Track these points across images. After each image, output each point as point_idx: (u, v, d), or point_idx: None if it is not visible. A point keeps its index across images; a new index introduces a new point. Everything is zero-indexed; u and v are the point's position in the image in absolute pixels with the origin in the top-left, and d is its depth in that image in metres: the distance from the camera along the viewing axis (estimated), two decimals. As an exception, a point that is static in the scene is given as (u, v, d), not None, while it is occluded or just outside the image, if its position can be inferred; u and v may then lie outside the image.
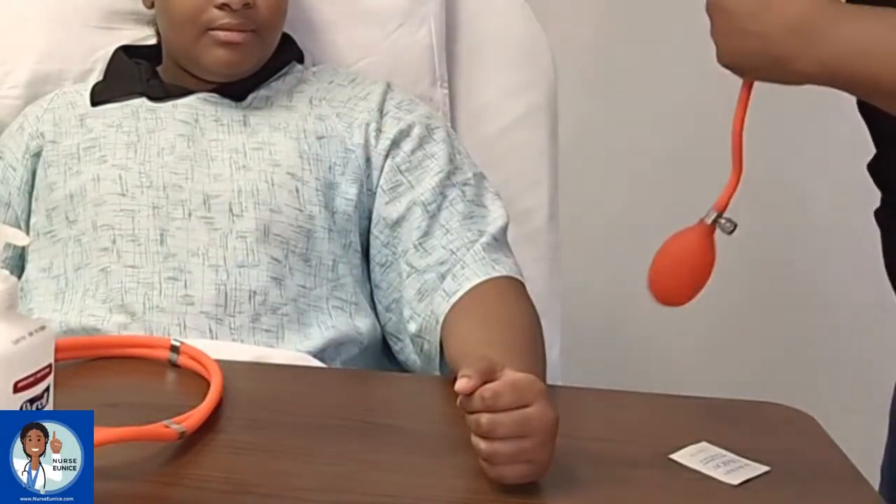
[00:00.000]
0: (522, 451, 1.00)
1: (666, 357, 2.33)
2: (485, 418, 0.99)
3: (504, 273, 1.34)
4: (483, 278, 1.32)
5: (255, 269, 1.34)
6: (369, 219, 1.43)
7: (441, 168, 1.42)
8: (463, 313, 1.30)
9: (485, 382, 0.99)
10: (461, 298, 1.31)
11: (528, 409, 1.00)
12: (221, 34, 1.39)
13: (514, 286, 1.34)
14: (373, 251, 1.42)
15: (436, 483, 1.05)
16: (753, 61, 1.10)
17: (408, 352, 1.38)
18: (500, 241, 1.39)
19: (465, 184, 1.43)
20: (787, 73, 1.09)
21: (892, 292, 1.29)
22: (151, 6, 1.48)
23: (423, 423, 1.09)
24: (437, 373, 1.33)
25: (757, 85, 1.15)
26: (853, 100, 1.18)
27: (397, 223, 1.39)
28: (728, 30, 1.11)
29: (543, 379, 1.21)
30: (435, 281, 1.34)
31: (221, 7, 1.37)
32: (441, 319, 1.31)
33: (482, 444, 1.00)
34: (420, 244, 1.37)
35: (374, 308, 1.42)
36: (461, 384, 0.99)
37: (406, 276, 1.37)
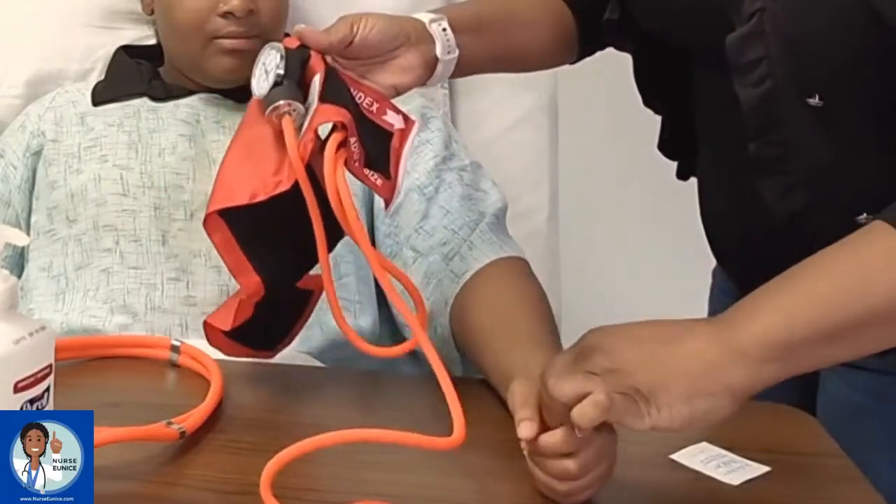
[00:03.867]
0: (601, 475, 1.00)
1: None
2: (573, 465, 0.96)
3: (512, 253, 1.34)
4: (492, 258, 1.32)
5: (257, 270, 1.34)
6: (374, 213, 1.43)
7: (436, 153, 1.42)
8: (476, 295, 1.29)
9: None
10: (471, 280, 1.30)
11: (600, 436, 0.98)
12: (227, 42, 1.38)
13: (523, 266, 1.34)
14: (378, 244, 1.42)
15: (436, 483, 1.05)
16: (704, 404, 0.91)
17: None
18: (500, 222, 1.39)
19: (462, 169, 1.42)
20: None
21: None
22: (152, 13, 1.47)
23: (424, 424, 1.09)
24: (457, 354, 1.31)
25: None
26: None
27: (396, 211, 1.39)
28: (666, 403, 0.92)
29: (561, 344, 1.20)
30: (440, 263, 1.33)
31: (225, 15, 1.37)
32: (450, 301, 1.30)
33: (566, 486, 0.98)
34: (420, 227, 1.37)
35: (379, 304, 1.41)
36: (528, 431, 0.96)
37: (412, 262, 1.36)
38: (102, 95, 1.48)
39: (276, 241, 1.12)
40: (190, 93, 1.45)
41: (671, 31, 1.22)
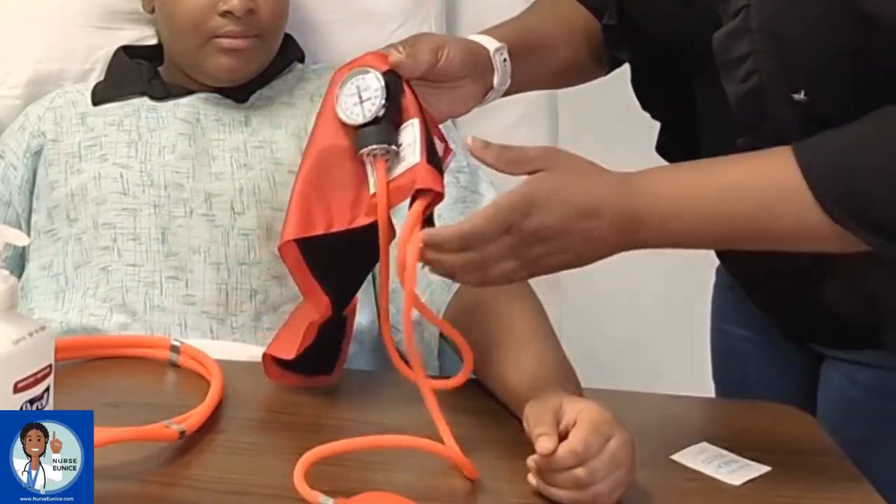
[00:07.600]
0: (620, 481, 1.02)
1: (666, 357, 2.33)
2: (582, 472, 1.00)
3: None
4: None
5: (257, 267, 1.34)
6: None
7: None
8: (467, 306, 1.29)
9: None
10: (462, 289, 1.30)
11: (612, 443, 1.01)
12: (226, 41, 1.38)
13: None
14: None
15: (437, 483, 1.05)
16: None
17: None
18: None
19: (458, 171, 1.42)
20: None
21: None
22: (152, 11, 1.47)
23: (424, 423, 1.09)
24: (436, 363, 1.32)
25: None
26: None
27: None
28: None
29: (563, 354, 1.21)
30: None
31: (224, 14, 1.37)
32: (442, 310, 1.30)
33: (582, 495, 1.01)
34: None
35: (375, 301, 1.41)
36: (547, 446, 0.99)
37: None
38: (102, 95, 1.48)
39: (340, 263, 1.14)
40: (190, 92, 1.45)
41: (666, 32, 1.22)
